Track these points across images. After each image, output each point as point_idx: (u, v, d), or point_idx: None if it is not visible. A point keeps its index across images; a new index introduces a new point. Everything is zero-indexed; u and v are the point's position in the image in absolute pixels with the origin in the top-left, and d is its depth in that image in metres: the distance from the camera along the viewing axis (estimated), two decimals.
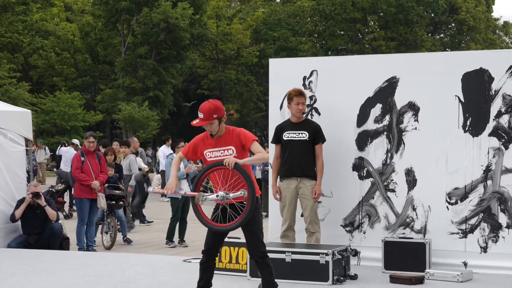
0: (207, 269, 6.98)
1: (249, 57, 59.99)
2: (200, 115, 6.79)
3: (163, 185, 19.22)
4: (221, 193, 6.70)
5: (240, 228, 6.85)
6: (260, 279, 7.15)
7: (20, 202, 12.01)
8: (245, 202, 6.66)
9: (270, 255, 8.40)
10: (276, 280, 8.04)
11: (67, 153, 20.33)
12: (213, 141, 6.86)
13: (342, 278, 8.33)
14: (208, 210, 6.89)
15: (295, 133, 9.34)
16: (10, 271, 9.34)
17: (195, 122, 6.83)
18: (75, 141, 22.12)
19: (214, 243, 6.93)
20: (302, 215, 9.47)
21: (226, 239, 8.65)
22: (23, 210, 11.91)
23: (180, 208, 13.18)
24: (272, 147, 9.70)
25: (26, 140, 12.83)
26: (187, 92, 63.64)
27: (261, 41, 62.04)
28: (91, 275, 9.00)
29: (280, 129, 9.49)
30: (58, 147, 20.98)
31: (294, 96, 9.32)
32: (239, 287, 7.86)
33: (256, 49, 60.26)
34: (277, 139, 9.53)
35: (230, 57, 60.59)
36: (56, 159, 47.57)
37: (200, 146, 6.93)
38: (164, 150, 21.37)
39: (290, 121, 9.46)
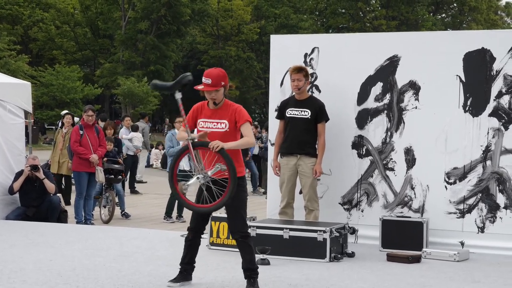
0: (193, 246, 6.88)
1: (249, 34, 59.84)
2: (207, 80, 6.58)
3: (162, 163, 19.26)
4: (200, 175, 6.53)
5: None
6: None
7: (19, 174, 12.02)
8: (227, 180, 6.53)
9: (268, 232, 8.47)
10: (273, 256, 8.09)
11: None
12: (209, 111, 6.72)
13: (339, 256, 8.36)
14: (193, 191, 6.83)
15: (298, 111, 9.32)
16: (9, 242, 9.36)
17: (200, 87, 6.60)
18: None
19: (201, 220, 6.87)
20: (300, 193, 9.48)
21: (224, 215, 8.71)
22: (22, 182, 11.92)
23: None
24: (276, 123, 9.66)
25: (26, 112, 12.80)
26: (187, 67, 63.52)
27: (262, 17, 61.88)
28: (90, 248, 9.02)
29: (284, 105, 9.49)
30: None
31: (291, 72, 9.32)
32: (237, 262, 7.86)
33: (256, 25, 60.12)
34: (281, 114, 9.52)
35: (230, 33, 60.38)
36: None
37: (198, 115, 6.78)
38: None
39: (295, 98, 9.45)
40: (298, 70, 9.26)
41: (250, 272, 6.69)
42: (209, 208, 6.65)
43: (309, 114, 9.26)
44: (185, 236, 7.00)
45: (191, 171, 6.74)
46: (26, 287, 6.78)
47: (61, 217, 12.15)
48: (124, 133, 19.10)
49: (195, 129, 6.82)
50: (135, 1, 52.28)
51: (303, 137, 9.29)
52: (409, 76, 9.42)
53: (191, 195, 6.91)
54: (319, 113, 9.28)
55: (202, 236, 6.97)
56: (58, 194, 12.43)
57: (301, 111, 9.30)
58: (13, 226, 11.02)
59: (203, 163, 6.54)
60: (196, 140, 6.54)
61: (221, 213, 8.70)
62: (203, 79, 6.63)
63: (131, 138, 19.02)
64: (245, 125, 6.66)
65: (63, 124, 16.22)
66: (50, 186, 12.01)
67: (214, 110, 6.72)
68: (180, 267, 6.92)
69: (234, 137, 6.66)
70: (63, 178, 15.82)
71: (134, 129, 19.94)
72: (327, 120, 9.33)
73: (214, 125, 6.69)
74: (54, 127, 45.75)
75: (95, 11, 57.12)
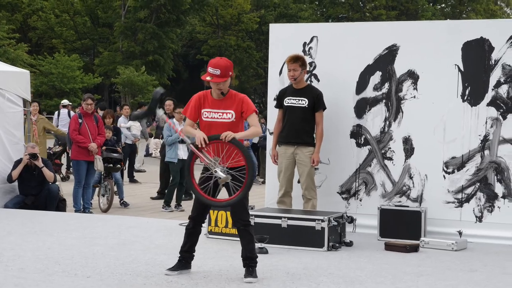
0: (193, 234, 6.90)
1: (249, 23, 59.69)
2: (215, 71, 6.52)
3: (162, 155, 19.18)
4: (219, 169, 6.50)
5: (226, 192, 6.80)
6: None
7: (18, 162, 12.03)
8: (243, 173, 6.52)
9: (266, 220, 8.48)
10: (271, 245, 8.11)
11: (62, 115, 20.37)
12: (214, 101, 6.67)
13: (337, 245, 8.37)
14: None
15: (295, 99, 9.31)
16: (7, 230, 9.38)
17: (209, 78, 6.53)
18: (65, 101, 22.27)
19: (203, 209, 6.88)
20: (299, 182, 9.48)
21: None
22: (20, 170, 11.93)
23: (179, 173, 13.18)
24: (275, 112, 9.65)
25: (25, 101, 12.79)
26: (187, 57, 63.43)
27: (261, 7, 61.70)
28: (88, 236, 9.04)
29: (282, 94, 9.49)
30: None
31: (287, 62, 9.31)
32: (234, 251, 7.88)
33: (256, 15, 59.94)
34: (279, 103, 9.52)
35: (230, 22, 60.23)
36: None
37: (201, 105, 6.71)
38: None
39: (292, 87, 9.43)
40: (294, 60, 9.24)
41: (250, 260, 6.72)
42: (224, 202, 6.66)
43: (306, 103, 9.26)
44: (186, 224, 7.01)
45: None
46: (23, 275, 6.79)
47: (60, 206, 12.17)
48: (122, 122, 19.10)
49: (198, 121, 6.79)
50: None
51: (300, 126, 9.29)
52: (408, 66, 9.42)
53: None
54: (317, 102, 9.27)
55: (202, 225, 7.01)
56: (57, 183, 12.43)
57: (299, 99, 9.30)
58: (11, 214, 11.03)
59: (217, 157, 6.53)
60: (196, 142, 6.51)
61: None
62: (210, 70, 6.57)
63: (129, 127, 19.01)
64: (252, 116, 6.68)
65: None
66: (49, 174, 12.02)
67: (219, 100, 6.68)
68: (179, 255, 6.93)
69: (238, 127, 6.67)
70: None
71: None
72: (325, 108, 9.33)
73: (220, 115, 6.65)
74: (52, 116, 45.70)
75: (94, 0, 56.91)
